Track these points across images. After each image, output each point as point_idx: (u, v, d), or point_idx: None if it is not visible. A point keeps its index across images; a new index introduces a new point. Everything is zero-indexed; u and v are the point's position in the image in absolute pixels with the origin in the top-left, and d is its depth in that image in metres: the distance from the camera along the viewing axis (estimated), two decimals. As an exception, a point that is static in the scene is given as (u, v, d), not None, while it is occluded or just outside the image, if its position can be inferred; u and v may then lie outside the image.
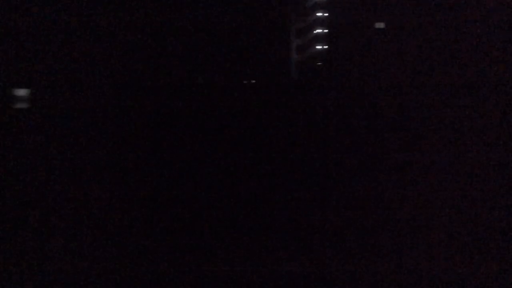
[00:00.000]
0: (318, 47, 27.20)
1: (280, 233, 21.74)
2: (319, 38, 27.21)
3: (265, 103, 25.28)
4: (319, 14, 26.94)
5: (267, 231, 21.91)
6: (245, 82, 25.48)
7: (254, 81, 25.39)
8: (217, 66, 25.56)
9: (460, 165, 25.07)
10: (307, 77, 27.42)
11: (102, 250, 20.04)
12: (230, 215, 22.68)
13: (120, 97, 24.42)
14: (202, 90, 25.34)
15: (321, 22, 27.21)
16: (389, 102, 26.78)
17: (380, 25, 27.06)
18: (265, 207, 23.04)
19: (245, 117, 24.56)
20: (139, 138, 23.81)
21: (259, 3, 25.58)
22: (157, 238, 21.23)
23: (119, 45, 25.69)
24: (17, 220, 22.15)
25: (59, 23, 25.00)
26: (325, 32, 27.20)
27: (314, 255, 20.46)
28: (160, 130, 24.11)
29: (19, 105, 24.66)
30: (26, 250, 19.86)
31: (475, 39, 26.57)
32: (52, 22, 24.99)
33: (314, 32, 27.40)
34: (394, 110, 26.66)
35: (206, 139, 24.04)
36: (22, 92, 24.80)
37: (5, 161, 23.56)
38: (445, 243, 21.41)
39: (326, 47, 27.19)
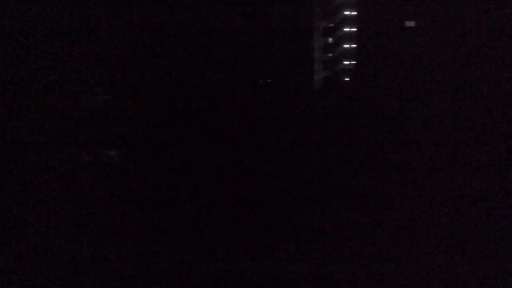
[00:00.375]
0: (346, 46, 26.88)
1: (280, 233, 21.60)
2: (347, 37, 26.88)
3: (284, 103, 25.17)
4: (347, 12, 26.60)
5: (267, 231, 21.80)
6: (264, 81, 25.40)
7: (269, 80, 25.28)
8: (239, 66, 25.55)
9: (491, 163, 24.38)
10: (335, 77, 27.17)
11: (102, 250, 20.27)
12: (230, 215, 22.68)
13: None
14: (227, 90, 25.41)
15: (349, 21, 26.86)
16: (419, 102, 26.21)
17: (411, 23, 26.49)
18: (266, 207, 22.95)
19: (255, 115, 24.51)
20: (138, 136, 24.03)
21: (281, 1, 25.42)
22: (157, 238, 21.31)
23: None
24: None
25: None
26: (354, 31, 26.85)
27: (314, 255, 20.19)
28: (162, 128, 24.26)
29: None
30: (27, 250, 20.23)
31: (508, 37, 25.68)
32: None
33: (342, 31, 27.08)
34: (424, 110, 26.07)
35: (208, 138, 24.09)
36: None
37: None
38: (445, 243, 20.81)
39: (355, 46, 26.86)
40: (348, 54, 26.53)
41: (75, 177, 23.83)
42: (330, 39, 26.65)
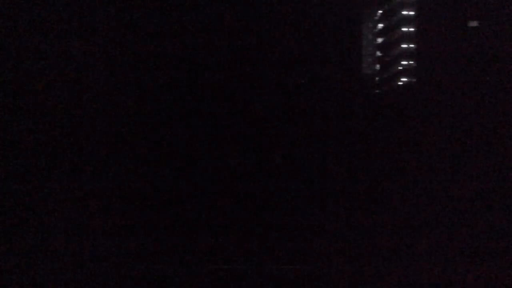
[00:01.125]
0: (404, 46, 26.16)
1: (280, 233, 20.91)
2: (405, 37, 26.18)
3: (342, 103, 24.55)
4: (405, 12, 26.00)
5: (267, 230, 21.18)
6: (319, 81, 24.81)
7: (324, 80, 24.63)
8: (289, 64, 25.05)
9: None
10: (393, 77, 26.43)
11: (102, 250, 20.01)
12: (230, 215, 22.34)
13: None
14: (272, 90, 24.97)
15: (407, 21, 26.21)
16: (480, 103, 25.02)
17: (474, 23, 25.54)
18: (265, 207, 22.64)
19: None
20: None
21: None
22: (158, 238, 21.11)
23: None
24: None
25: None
26: (412, 31, 26.07)
27: (314, 255, 19.30)
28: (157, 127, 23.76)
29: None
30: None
31: None
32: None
33: (400, 30, 26.44)
34: (484, 111, 24.84)
35: (207, 139, 23.64)
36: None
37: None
38: (445, 244, 19.63)
39: (413, 46, 26.08)
40: (406, 54, 25.70)
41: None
42: (388, 39, 26.00)
